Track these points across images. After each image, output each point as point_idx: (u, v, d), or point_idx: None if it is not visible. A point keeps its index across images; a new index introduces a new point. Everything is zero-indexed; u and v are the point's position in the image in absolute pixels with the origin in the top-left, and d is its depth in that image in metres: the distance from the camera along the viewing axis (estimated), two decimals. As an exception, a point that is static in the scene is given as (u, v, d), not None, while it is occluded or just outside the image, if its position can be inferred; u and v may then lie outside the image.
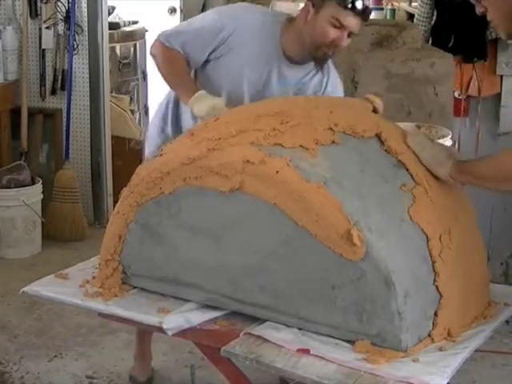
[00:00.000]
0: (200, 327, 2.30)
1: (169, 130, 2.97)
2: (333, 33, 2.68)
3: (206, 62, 2.81)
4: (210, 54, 2.78)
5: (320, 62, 2.81)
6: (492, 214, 3.84)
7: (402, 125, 2.80)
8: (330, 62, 2.86)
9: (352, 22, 2.67)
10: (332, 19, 2.66)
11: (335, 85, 2.90)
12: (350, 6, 2.64)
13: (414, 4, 6.65)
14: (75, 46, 4.87)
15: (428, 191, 2.26)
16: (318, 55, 2.76)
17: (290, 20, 2.82)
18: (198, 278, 2.35)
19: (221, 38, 2.74)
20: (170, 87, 2.87)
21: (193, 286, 2.36)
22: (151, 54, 2.86)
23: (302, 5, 2.82)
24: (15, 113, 4.91)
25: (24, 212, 4.58)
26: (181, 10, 6.82)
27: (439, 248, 2.20)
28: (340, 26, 2.67)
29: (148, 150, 3.06)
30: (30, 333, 3.71)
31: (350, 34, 2.71)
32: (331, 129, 2.29)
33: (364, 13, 2.69)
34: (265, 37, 2.77)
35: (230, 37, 2.74)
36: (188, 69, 2.83)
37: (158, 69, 2.85)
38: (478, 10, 2.19)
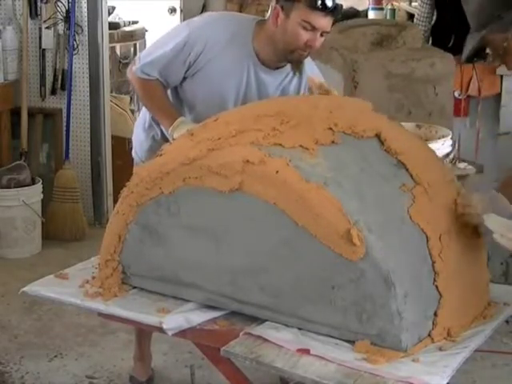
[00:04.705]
0: (200, 327, 2.30)
1: (154, 129, 2.99)
2: (305, 35, 2.65)
3: (184, 78, 2.82)
4: (186, 71, 2.78)
5: (296, 65, 2.79)
6: (492, 214, 3.83)
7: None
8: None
9: (323, 21, 2.64)
10: (303, 22, 2.64)
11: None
12: (320, 6, 2.61)
13: (414, 4, 6.66)
14: (75, 46, 4.87)
15: (428, 191, 2.26)
16: (292, 58, 2.74)
17: (261, 23, 2.79)
18: (198, 278, 2.35)
19: (194, 54, 2.74)
20: (153, 115, 2.92)
21: (193, 286, 2.36)
22: (130, 81, 2.96)
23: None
24: (15, 113, 4.91)
25: (24, 212, 4.58)
26: (181, 10, 6.82)
27: (439, 248, 2.20)
28: (312, 28, 2.65)
29: (134, 150, 3.11)
30: (30, 333, 3.71)
31: (322, 33, 2.68)
32: (331, 129, 2.29)
33: (335, 10, 2.65)
34: (237, 46, 2.75)
35: (201, 53, 2.73)
36: (167, 94, 2.85)
37: (139, 98, 2.98)
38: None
